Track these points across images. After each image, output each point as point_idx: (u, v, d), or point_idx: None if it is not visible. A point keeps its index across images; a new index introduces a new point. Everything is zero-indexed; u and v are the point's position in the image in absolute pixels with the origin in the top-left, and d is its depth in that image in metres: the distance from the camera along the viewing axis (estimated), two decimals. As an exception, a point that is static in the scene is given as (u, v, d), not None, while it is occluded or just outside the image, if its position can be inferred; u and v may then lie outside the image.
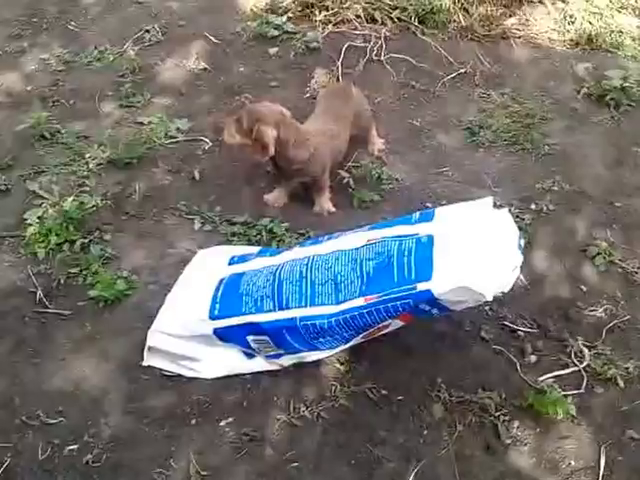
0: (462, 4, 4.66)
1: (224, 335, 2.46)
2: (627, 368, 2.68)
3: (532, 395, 2.52)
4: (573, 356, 2.72)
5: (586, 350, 2.74)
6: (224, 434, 2.37)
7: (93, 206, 3.05)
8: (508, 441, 2.43)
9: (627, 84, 4.05)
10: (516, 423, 2.48)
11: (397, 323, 2.48)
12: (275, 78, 4.07)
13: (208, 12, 4.59)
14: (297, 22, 4.47)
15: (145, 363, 2.53)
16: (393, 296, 2.26)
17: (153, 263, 2.92)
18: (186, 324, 2.48)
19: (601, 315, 2.89)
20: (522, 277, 2.98)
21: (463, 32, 4.57)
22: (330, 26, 4.43)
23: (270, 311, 2.40)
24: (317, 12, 4.50)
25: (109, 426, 2.36)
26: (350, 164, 3.49)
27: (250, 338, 2.45)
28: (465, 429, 2.45)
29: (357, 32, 4.42)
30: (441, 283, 2.22)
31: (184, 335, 2.48)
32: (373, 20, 4.52)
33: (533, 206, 3.36)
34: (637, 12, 4.98)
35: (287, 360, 2.53)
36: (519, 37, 4.68)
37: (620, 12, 4.92)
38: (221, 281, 2.55)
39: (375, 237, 2.47)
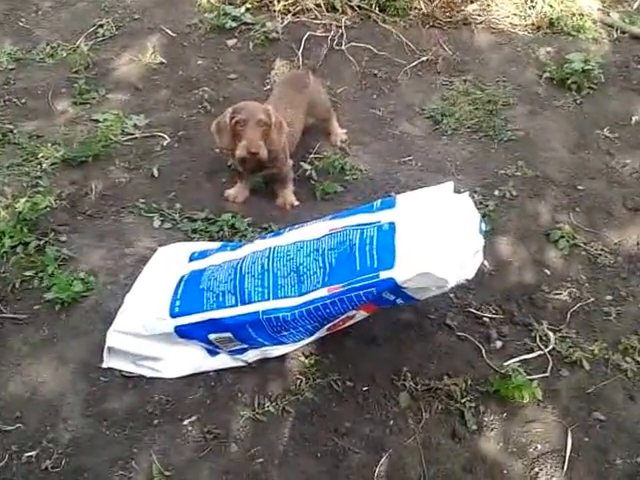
0: (422, -9, 4.68)
1: (185, 333, 2.46)
2: (592, 350, 2.73)
3: (497, 380, 2.56)
4: (538, 340, 2.77)
5: (551, 334, 2.79)
6: (187, 433, 2.38)
7: (47, 207, 3.03)
8: (474, 427, 2.47)
9: (588, 67, 4.11)
10: (482, 409, 2.52)
11: (362, 314, 2.51)
12: (234, 71, 4.08)
13: (163, 5, 4.59)
14: (255, 13, 4.48)
15: (105, 365, 2.53)
16: (356, 285, 2.28)
17: (111, 263, 2.91)
18: (146, 323, 2.48)
19: (565, 298, 2.94)
20: (486, 263, 3.02)
21: (424, 19, 4.61)
22: (289, 16, 4.45)
23: (232, 306, 2.41)
24: (276, 2, 4.51)
25: (68, 430, 2.36)
26: (312, 156, 3.52)
27: (212, 337, 2.45)
28: (431, 417, 2.49)
29: (317, 21, 4.45)
30: (404, 270, 2.24)
31: (144, 334, 2.48)
32: (333, 9, 4.55)
33: (496, 192, 3.41)
34: (597, -5, 5.02)
35: (252, 356, 2.55)
36: (480, 23, 4.74)
37: (581, -6, 4.96)
38: (181, 278, 2.56)
39: (337, 226, 2.49)
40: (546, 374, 2.64)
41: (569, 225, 3.24)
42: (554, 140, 3.80)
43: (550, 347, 2.73)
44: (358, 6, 4.57)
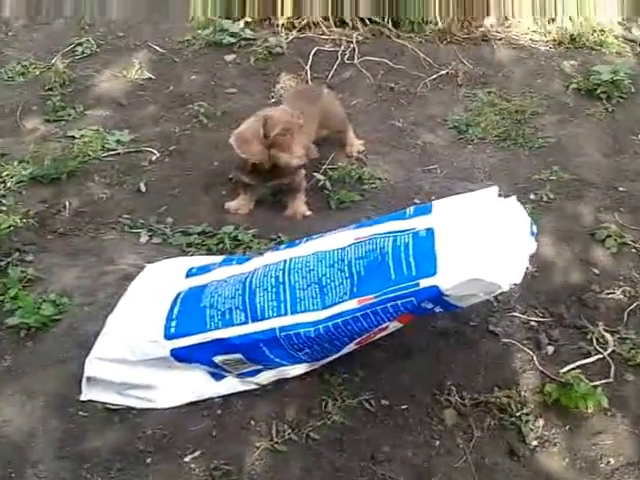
0: (437, 7, 4.43)
1: (185, 356, 2.11)
2: (658, 353, 2.35)
3: (556, 389, 2.20)
4: (595, 343, 2.42)
5: (608, 336, 2.44)
6: (190, 471, 1.99)
7: (10, 226, 2.75)
8: (534, 443, 2.11)
9: (617, 77, 3.84)
10: (541, 422, 2.17)
11: (395, 325, 2.17)
12: (234, 85, 3.83)
13: (152, 23, 4.34)
14: (256, 28, 4.22)
15: (84, 397, 2.15)
16: (392, 295, 1.97)
17: (88, 282, 2.57)
18: (135, 347, 2.12)
19: (620, 297, 2.60)
20: (529, 264, 2.67)
21: (441, 35, 4.36)
22: (294, 31, 4.20)
23: (242, 324, 2.08)
24: (279, 15, 4.22)
25: (39, 477, 1.96)
26: (326, 167, 3.23)
27: (218, 359, 2.11)
28: (483, 434, 2.13)
29: (325, 37, 4.20)
30: (448, 277, 1.94)
31: (132, 360, 2.12)
32: (342, 24, 4.29)
33: (532, 196, 3.11)
34: (618, 9, 4.77)
35: (265, 377, 2.20)
36: (500, 39, 4.48)
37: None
38: (177, 295, 2.22)
39: (364, 235, 2.18)
40: (609, 379, 2.27)
41: (615, 224, 2.89)
42: (587, 146, 3.51)
43: (609, 350, 2.39)
44: (370, 20, 4.30)
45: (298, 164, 2.83)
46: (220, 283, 2.21)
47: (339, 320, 2.01)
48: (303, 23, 4.29)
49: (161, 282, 2.30)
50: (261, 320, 2.06)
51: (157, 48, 4.11)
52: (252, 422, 2.12)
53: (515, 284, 2.08)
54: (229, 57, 4.06)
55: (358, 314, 2.00)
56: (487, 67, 4.19)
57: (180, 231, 2.85)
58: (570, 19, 4.52)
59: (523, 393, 2.24)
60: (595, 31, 4.50)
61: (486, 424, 2.15)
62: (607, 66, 3.94)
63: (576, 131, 3.62)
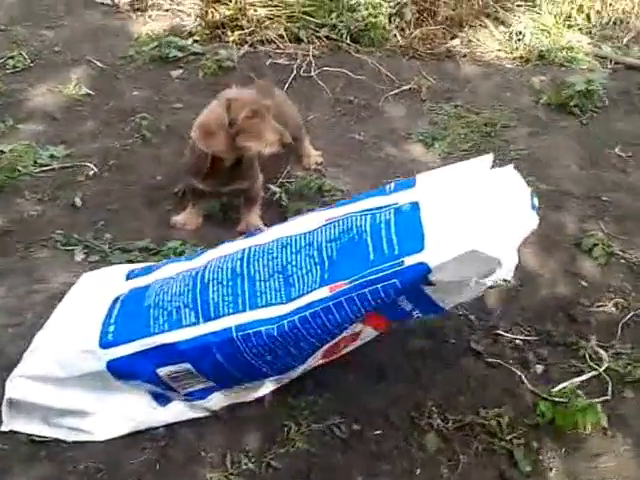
0: (397, 24, 4.35)
1: (124, 370, 1.84)
2: (657, 367, 2.17)
3: (550, 408, 2.02)
4: (588, 359, 2.23)
5: (602, 351, 2.27)
6: (128, 510, 1.73)
7: None
8: (528, 468, 1.91)
9: (592, 87, 3.75)
10: (535, 445, 1.97)
11: (369, 332, 1.97)
12: (180, 100, 3.64)
13: (92, 39, 4.16)
14: (205, 44, 4.08)
15: (4, 428, 1.89)
16: (371, 278, 1.73)
17: (13, 302, 2.30)
18: (64, 361, 1.85)
19: (612, 310, 2.44)
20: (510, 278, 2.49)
21: (403, 50, 4.26)
22: (246, 46, 4.05)
23: (192, 325, 1.82)
24: (229, 32, 4.10)
25: None
26: (281, 180, 3.03)
27: (163, 372, 1.84)
28: (470, 460, 1.93)
29: (279, 51, 4.06)
30: (438, 252, 1.71)
31: (61, 377, 1.85)
32: (297, 40, 4.15)
33: (509, 207, 2.90)
34: (585, 31, 4.75)
35: (217, 401, 1.95)
36: (464, 56, 4.39)
37: (569, 30, 4.68)
38: (117, 299, 1.96)
39: (336, 215, 1.95)
40: (606, 397, 2.07)
41: (601, 233, 2.73)
42: (563, 158, 3.37)
43: (604, 366, 2.19)
44: (327, 37, 4.19)
45: (272, 152, 2.52)
46: (167, 280, 1.96)
47: (307, 312, 1.76)
48: (256, 39, 4.15)
49: (98, 289, 2.04)
50: (215, 319, 1.81)
51: (97, 63, 3.93)
52: (202, 453, 1.88)
53: (506, 280, 1.90)
54: (175, 72, 3.90)
55: (330, 303, 1.75)
56: (452, 82, 4.07)
57: (120, 248, 2.62)
58: (537, 38, 4.45)
59: (513, 414, 2.04)
60: (564, 48, 4.42)
61: (473, 449, 1.94)
62: (581, 77, 3.84)
63: (550, 144, 3.49)
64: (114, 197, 2.92)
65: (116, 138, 3.31)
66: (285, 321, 1.77)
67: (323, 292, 1.76)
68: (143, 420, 1.92)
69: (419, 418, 2.00)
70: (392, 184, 1.99)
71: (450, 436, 1.96)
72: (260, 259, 1.89)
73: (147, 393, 1.92)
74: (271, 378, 1.93)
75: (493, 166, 1.95)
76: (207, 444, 1.89)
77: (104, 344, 1.83)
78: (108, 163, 3.11)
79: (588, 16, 4.72)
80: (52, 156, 3.14)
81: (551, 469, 1.90)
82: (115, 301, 1.94)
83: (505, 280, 1.96)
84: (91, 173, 3.07)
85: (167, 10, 4.50)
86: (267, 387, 1.99)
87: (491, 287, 1.96)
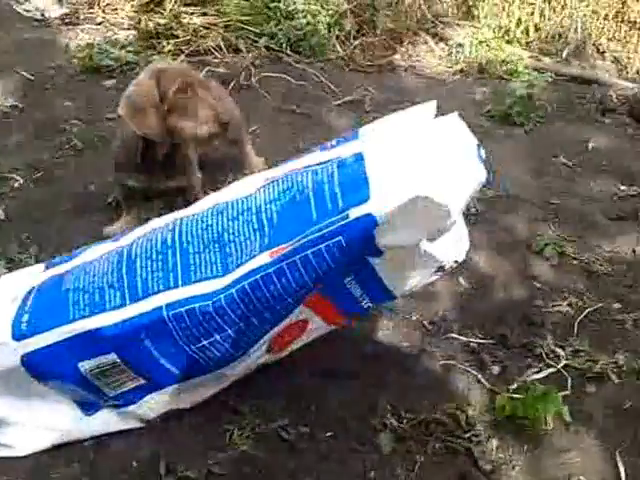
0: (337, 35, 4.36)
1: (41, 365, 1.67)
2: (616, 362, 2.18)
3: (509, 403, 1.94)
4: (546, 358, 2.20)
5: (560, 350, 2.23)
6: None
7: None
8: (488, 467, 1.84)
9: (534, 91, 3.79)
10: (495, 443, 1.91)
11: (317, 323, 1.89)
12: (113, 110, 3.46)
13: (21, 51, 4.04)
14: (140, 54, 4.01)
15: None
16: (314, 237, 1.60)
17: None
18: None
19: (567, 310, 2.42)
20: (463, 281, 2.47)
21: (343, 62, 4.27)
22: (183, 56, 3.99)
23: (117, 307, 1.66)
24: (165, 42, 4.05)
25: None
26: (224, 187, 2.90)
27: (85, 367, 1.68)
28: (428, 459, 1.85)
29: (218, 60, 4.01)
30: (385, 200, 1.59)
31: None
32: (236, 50, 4.13)
33: (458, 210, 2.88)
34: (524, 45, 4.85)
35: (152, 406, 1.81)
36: (405, 70, 4.43)
37: (509, 44, 4.78)
38: (32, 289, 1.79)
39: (275, 175, 1.83)
40: (567, 392, 2.03)
41: (552, 234, 2.73)
42: (509, 166, 3.37)
43: (562, 363, 2.15)
44: (266, 47, 4.17)
45: (209, 132, 2.24)
46: (89, 262, 1.81)
47: (245, 283, 1.62)
48: (192, 48, 4.10)
49: (14, 284, 1.86)
50: (143, 298, 1.65)
51: (25, 74, 3.80)
52: (134, 463, 1.75)
53: (457, 261, 1.85)
54: (108, 82, 3.81)
55: (270, 270, 1.61)
56: (395, 94, 4.07)
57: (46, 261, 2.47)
58: (477, 52, 4.52)
59: (470, 412, 1.98)
60: (504, 61, 4.49)
61: (430, 448, 1.87)
62: (521, 84, 3.89)
63: (495, 152, 3.43)
64: (42, 209, 2.78)
65: (45, 149, 3.19)
66: (222, 295, 1.63)
67: (263, 258, 1.63)
68: (68, 431, 1.78)
69: (372, 418, 1.92)
70: (334, 140, 1.89)
71: (405, 435, 1.89)
72: (193, 229, 1.74)
73: (72, 400, 1.78)
74: (210, 376, 1.81)
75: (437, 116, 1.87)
76: (140, 453, 1.77)
77: (17, 335, 1.66)
78: (36, 175, 2.99)
79: (527, 30, 4.82)
80: (-27, 170, 3.00)
81: (514, 467, 1.84)
82: (30, 291, 1.78)
83: (457, 262, 1.90)
84: (16, 185, 2.94)
85: (100, 23, 4.43)
86: (206, 391, 1.87)
87: (442, 269, 1.89)
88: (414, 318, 2.33)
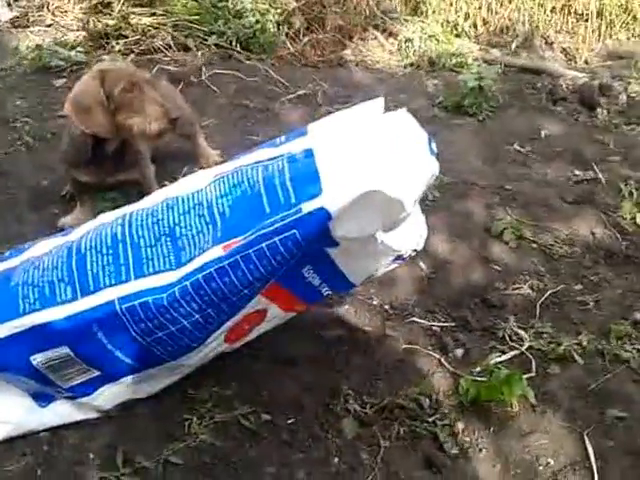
0: (287, 33, 4.33)
1: None
2: (580, 342, 2.15)
3: (473, 386, 1.89)
4: (509, 340, 2.15)
5: (522, 332, 2.19)
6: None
7: None
8: (455, 451, 1.79)
9: (484, 83, 3.77)
10: (460, 426, 1.86)
11: (275, 312, 1.84)
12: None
13: None
14: (90, 53, 3.97)
15: None
16: (268, 230, 1.57)
17: None
18: None
19: (528, 292, 2.39)
20: (423, 265, 2.42)
21: (294, 58, 4.25)
22: (133, 55, 3.95)
23: (68, 301, 1.61)
24: (114, 42, 4.01)
25: None
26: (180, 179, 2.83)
27: (38, 359, 1.63)
28: (392, 445, 1.80)
29: (168, 58, 3.97)
30: (337, 195, 1.57)
31: None
32: (186, 49, 4.08)
33: (414, 197, 2.83)
34: (473, 38, 4.86)
35: (107, 397, 1.75)
36: (356, 64, 4.39)
37: (458, 37, 4.79)
38: None
39: (225, 170, 1.79)
40: (532, 374, 1.99)
41: (510, 218, 2.69)
42: (464, 154, 3.36)
43: (526, 345, 2.11)
44: (216, 44, 4.15)
45: (159, 129, 2.22)
46: (38, 257, 1.74)
47: (199, 275, 1.58)
48: (142, 48, 4.03)
49: None
50: (94, 292, 1.61)
51: None
52: (91, 454, 1.68)
53: (415, 250, 1.81)
54: (59, 82, 3.75)
55: (225, 263, 1.57)
56: (346, 88, 4.04)
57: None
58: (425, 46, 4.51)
59: (434, 396, 1.93)
60: (454, 54, 4.48)
61: (394, 433, 1.82)
62: (472, 75, 3.86)
63: (449, 140, 3.46)
64: None
65: None
66: (176, 288, 1.59)
67: (216, 251, 1.59)
68: (21, 423, 1.72)
69: (334, 404, 1.86)
70: (283, 137, 1.84)
71: (369, 421, 1.83)
72: (144, 223, 1.69)
73: (25, 392, 1.71)
74: (167, 366, 1.74)
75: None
76: (96, 445, 1.70)
77: None
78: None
79: (475, 24, 4.84)
80: None
81: (480, 450, 1.79)
82: None
83: (415, 250, 1.87)
84: None
85: (49, 25, 4.39)
86: (163, 381, 1.79)
87: (401, 258, 1.85)
88: (375, 303, 2.27)
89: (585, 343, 2.13)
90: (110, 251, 1.65)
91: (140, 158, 2.48)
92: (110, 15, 4.23)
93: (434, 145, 1.73)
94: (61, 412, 1.74)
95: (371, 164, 1.60)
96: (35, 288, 1.64)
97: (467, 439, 1.82)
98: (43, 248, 1.79)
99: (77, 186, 2.52)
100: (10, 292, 1.65)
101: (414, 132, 1.73)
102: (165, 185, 2.52)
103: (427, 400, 1.90)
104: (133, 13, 4.25)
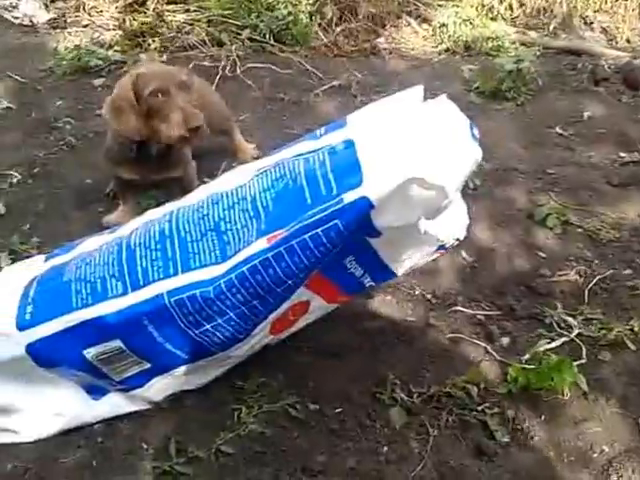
0: (319, 23, 4.33)
1: (47, 353, 1.67)
2: (631, 328, 2.12)
3: (522, 374, 1.88)
4: (557, 327, 2.14)
5: (571, 319, 2.16)
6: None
7: None
8: (506, 439, 1.79)
9: (523, 66, 3.73)
10: (510, 414, 1.85)
11: (319, 304, 1.87)
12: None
13: (11, 56, 4.05)
14: (127, 53, 4.03)
15: None
16: (310, 221, 1.59)
17: None
18: None
19: (575, 278, 2.36)
20: (465, 255, 2.41)
21: (327, 48, 4.26)
22: (168, 53, 4.00)
23: (119, 296, 1.66)
24: (150, 40, 4.07)
25: None
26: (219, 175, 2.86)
27: (91, 353, 1.67)
28: (442, 434, 1.79)
29: (202, 54, 4.00)
30: (379, 183, 1.58)
31: None
32: (220, 44, 4.12)
33: (454, 185, 2.82)
34: (509, 21, 4.81)
35: (158, 389, 1.79)
36: (390, 52, 4.38)
37: (493, 21, 4.74)
38: (33, 279, 1.79)
39: (267, 164, 1.82)
40: (583, 360, 1.97)
41: (554, 203, 2.67)
42: (503, 139, 3.33)
43: (575, 332, 2.09)
44: (249, 38, 4.17)
45: (179, 136, 2.25)
46: (88, 253, 1.80)
47: (244, 268, 1.61)
48: (177, 45, 4.10)
49: (16, 276, 1.85)
50: (144, 287, 1.65)
51: (17, 78, 3.80)
52: (144, 444, 1.72)
53: (458, 239, 1.81)
54: (98, 81, 3.80)
55: (269, 255, 1.60)
56: (381, 77, 4.03)
57: (48, 251, 2.42)
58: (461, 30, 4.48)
59: (482, 385, 1.92)
60: (490, 38, 4.44)
61: (443, 422, 1.82)
62: (510, 58, 3.83)
63: (487, 126, 3.41)
64: (41, 202, 2.76)
65: (41, 147, 3.19)
66: (222, 281, 1.63)
67: (260, 244, 1.62)
68: (76, 416, 1.77)
69: (381, 394, 1.87)
70: (322, 128, 1.86)
71: (417, 410, 1.83)
72: (190, 219, 1.74)
73: (78, 385, 1.76)
74: (215, 357, 1.77)
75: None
76: (149, 435, 1.74)
77: (22, 326, 1.66)
78: (33, 171, 2.98)
79: (510, 6, 4.79)
80: (-29, 169, 2.97)
81: (532, 438, 1.78)
82: (32, 281, 1.77)
83: (458, 239, 1.87)
84: (15, 181, 2.92)
85: (86, 25, 4.45)
86: (211, 372, 1.83)
87: (444, 247, 1.85)
88: (417, 293, 2.27)
89: (637, 328, 2.11)
90: (158, 246, 1.70)
91: (183, 156, 2.51)
92: (145, 13, 4.32)
93: (476, 131, 1.72)
94: (114, 404, 1.79)
95: (412, 152, 1.61)
96: (87, 284, 1.69)
97: (518, 427, 1.81)
98: (92, 245, 1.84)
99: (120, 184, 2.56)
100: (63, 288, 1.70)
101: (455, 118, 1.73)
102: (205, 182, 2.58)
103: (475, 389, 1.89)
104: (168, 10, 4.33)
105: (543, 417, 1.83)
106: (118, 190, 2.62)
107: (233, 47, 4.03)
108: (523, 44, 4.47)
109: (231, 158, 3.01)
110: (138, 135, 2.30)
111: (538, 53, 4.14)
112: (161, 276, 1.65)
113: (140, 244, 1.72)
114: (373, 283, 1.88)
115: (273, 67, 3.92)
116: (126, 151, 2.38)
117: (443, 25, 4.56)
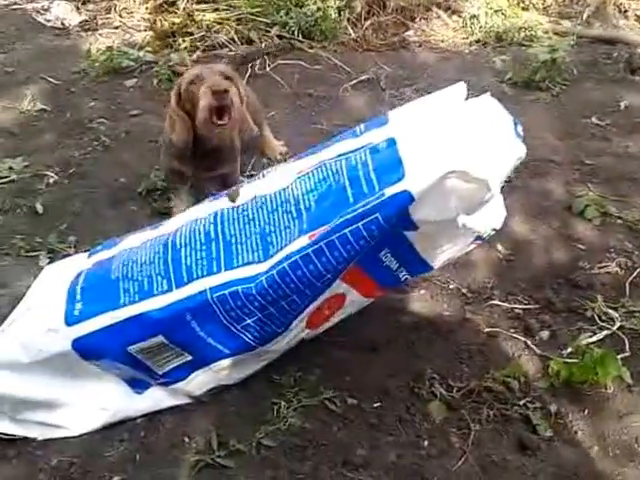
0: (348, 18, 4.34)
1: (91, 348, 1.71)
2: (675, 321, 2.08)
3: (564, 368, 1.87)
4: (598, 320, 2.12)
5: (612, 312, 2.15)
6: (107, 502, 1.57)
7: None
8: (549, 433, 1.78)
9: (557, 55, 3.70)
10: (552, 408, 1.84)
11: (354, 297, 1.87)
12: (137, 107, 3.56)
13: (44, 59, 4.10)
14: (158, 53, 4.05)
15: None
16: (351, 216, 1.62)
17: None
18: (28, 343, 1.71)
19: (616, 270, 2.35)
20: (500, 247, 2.41)
21: (356, 43, 4.25)
22: (198, 52, 4.03)
23: (164, 292, 1.71)
24: (180, 40, 4.10)
25: None
26: (248, 172, 2.93)
27: (134, 348, 1.71)
28: (483, 428, 1.79)
29: (232, 52, 4.02)
30: (420, 176, 1.60)
31: (25, 363, 1.71)
32: (249, 42, 4.14)
33: (489, 178, 2.81)
34: (541, 10, 4.78)
35: (199, 382, 1.82)
36: (420, 45, 4.37)
37: (525, 10, 4.70)
38: (79, 274, 1.83)
39: (308, 165, 1.85)
40: (626, 353, 1.95)
41: (592, 194, 2.65)
42: (538, 130, 3.30)
43: (617, 325, 2.07)
44: (278, 35, 4.19)
45: (203, 116, 2.26)
46: (134, 250, 1.84)
47: (285, 264, 1.65)
48: (207, 44, 4.13)
49: (62, 272, 1.91)
50: (188, 283, 1.70)
51: (51, 80, 3.85)
52: (186, 438, 1.75)
53: (494, 229, 1.80)
54: (130, 82, 3.84)
55: (309, 250, 1.64)
56: (410, 70, 4.02)
57: (86, 250, 2.46)
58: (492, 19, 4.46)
59: (523, 379, 1.91)
60: (522, 28, 4.42)
61: (484, 416, 1.82)
62: (543, 48, 3.81)
63: (521, 117, 3.30)
64: (77, 201, 2.80)
65: (75, 147, 3.23)
66: (263, 277, 1.67)
67: (302, 241, 1.67)
68: (120, 410, 1.80)
69: (419, 388, 1.88)
70: (362, 125, 1.88)
71: (457, 404, 1.84)
72: (235, 222, 1.80)
73: (121, 379, 1.80)
74: (254, 352, 1.80)
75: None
76: (191, 429, 1.77)
77: (70, 321, 1.72)
78: (69, 171, 3.01)
79: (543, -5, 4.75)
80: (10, 168, 3.02)
81: (576, 432, 1.78)
82: (78, 276, 1.82)
83: (494, 229, 1.86)
84: (52, 181, 2.96)
85: (117, 27, 4.50)
86: (249, 367, 1.86)
87: (480, 238, 1.84)
88: (452, 287, 2.27)
89: (680, 321, 2.09)
90: (204, 247, 1.76)
91: (237, 153, 2.57)
92: (175, 13, 4.35)
93: (520, 129, 1.74)
94: (156, 398, 1.82)
95: (455, 146, 1.63)
96: (135, 282, 1.74)
97: (561, 421, 1.81)
98: (135, 241, 1.90)
99: (176, 177, 2.60)
100: (111, 285, 1.76)
101: (499, 116, 1.75)
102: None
103: (516, 383, 1.89)
104: (197, 10, 4.35)
105: (586, 411, 1.83)
106: (171, 183, 2.67)
107: (263, 45, 4.05)
108: (556, 33, 4.43)
109: (259, 154, 3.04)
110: (188, 145, 2.39)
111: (572, 42, 4.08)
112: (204, 273, 1.70)
113: (186, 245, 1.77)
114: (409, 276, 1.89)
115: (302, 63, 3.95)
116: (185, 148, 2.44)
117: (474, 16, 4.54)
